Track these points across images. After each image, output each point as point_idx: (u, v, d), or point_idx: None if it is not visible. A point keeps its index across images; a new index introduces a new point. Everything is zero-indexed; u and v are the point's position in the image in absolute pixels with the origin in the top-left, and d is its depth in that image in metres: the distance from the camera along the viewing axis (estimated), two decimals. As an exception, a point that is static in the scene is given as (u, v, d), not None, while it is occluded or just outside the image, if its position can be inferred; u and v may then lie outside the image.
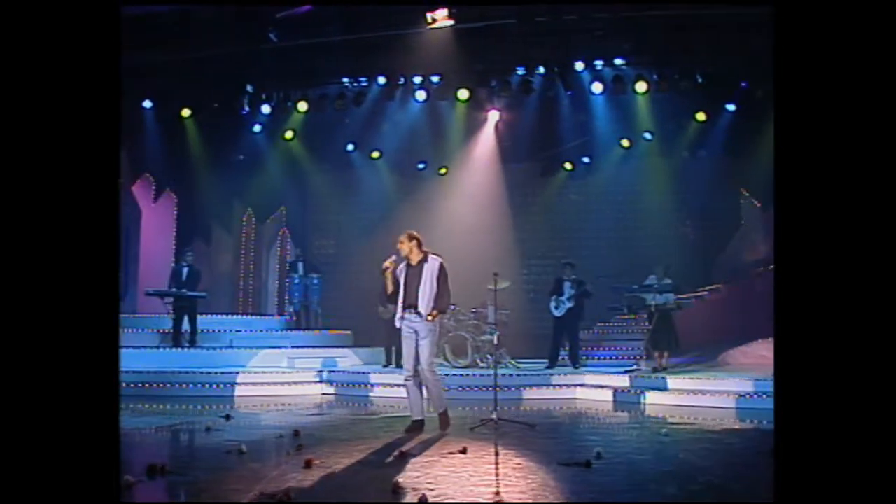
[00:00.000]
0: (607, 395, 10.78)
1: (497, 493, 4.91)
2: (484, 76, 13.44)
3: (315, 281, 14.33)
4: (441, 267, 7.40)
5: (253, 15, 10.94)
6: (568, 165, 15.98)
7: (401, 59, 12.39)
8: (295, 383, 11.41)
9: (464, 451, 6.39)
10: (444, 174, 16.23)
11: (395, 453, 6.26)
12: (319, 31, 11.58)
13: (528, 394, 11.23)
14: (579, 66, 13.18)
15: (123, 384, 10.78)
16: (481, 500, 4.71)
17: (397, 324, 7.43)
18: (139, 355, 11.81)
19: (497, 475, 5.57)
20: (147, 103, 13.60)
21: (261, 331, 13.54)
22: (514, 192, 15.85)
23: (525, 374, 11.94)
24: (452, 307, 13.00)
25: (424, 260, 7.36)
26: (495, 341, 10.64)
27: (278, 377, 11.53)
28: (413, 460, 6.07)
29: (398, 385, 11.30)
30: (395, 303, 7.42)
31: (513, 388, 11.33)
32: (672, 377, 10.79)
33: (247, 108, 13.85)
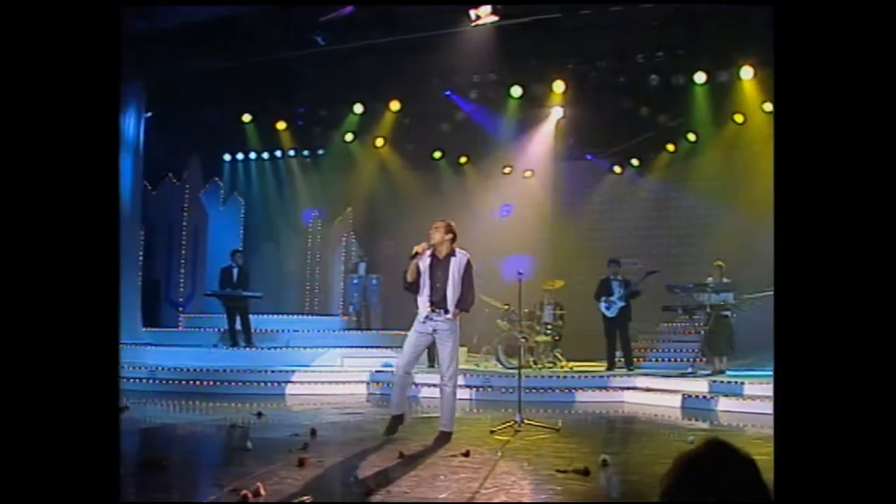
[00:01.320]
0: (658, 399, 10.38)
1: (472, 496, 4.80)
2: (540, 71, 13.22)
3: (374, 281, 14.45)
4: (468, 263, 6.93)
5: (296, 19, 11.11)
6: (635, 161, 15.54)
7: (448, 57, 12.33)
8: (343, 382, 11.53)
9: (466, 454, 6.28)
10: (509, 173, 16.11)
11: (396, 454, 6.22)
12: (364, 34, 11.65)
13: (581, 396, 10.96)
14: (640, 58, 12.79)
15: (179, 381, 11.25)
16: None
17: (421, 321, 6.94)
18: (198, 354, 12.22)
19: (484, 479, 5.44)
20: (207, 109, 14.04)
21: (318, 331, 13.73)
22: (577, 190, 15.53)
23: (572, 376, 11.66)
24: (508, 307, 12.88)
25: (452, 254, 6.92)
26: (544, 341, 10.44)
27: (327, 376, 11.68)
28: (409, 462, 6.02)
29: (433, 385, 11.36)
30: (413, 292, 6.96)
31: (566, 391, 11.10)
32: (725, 382, 10.30)
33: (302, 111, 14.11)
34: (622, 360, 12.07)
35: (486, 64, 12.93)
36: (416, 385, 11.27)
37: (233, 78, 13.11)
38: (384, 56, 12.70)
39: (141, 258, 13.74)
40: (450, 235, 6.95)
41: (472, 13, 11.16)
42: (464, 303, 6.92)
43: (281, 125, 14.89)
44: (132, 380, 11.30)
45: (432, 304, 6.89)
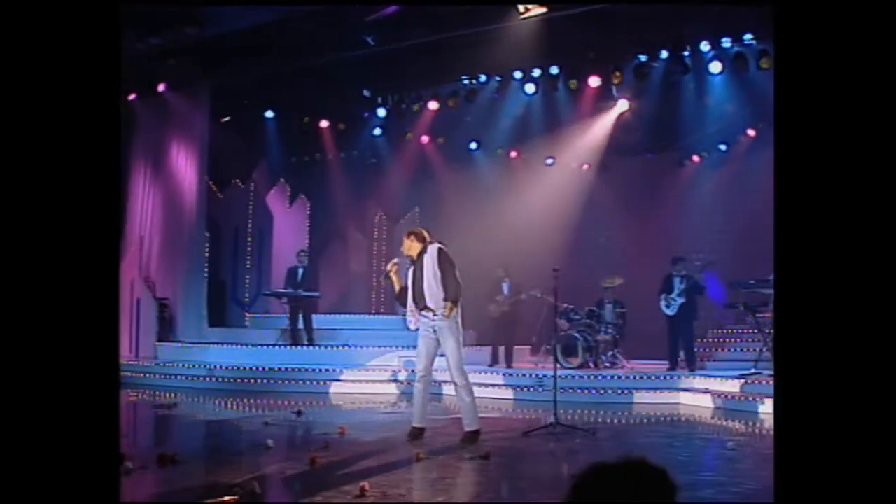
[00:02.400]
0: (714, 401, 9.91)
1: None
2: (598, 64, 12.86)
3: (435, 281, 14.35)
4: (439, 252, 6.74)
5: (344, 20, 11.16)
6: (705, 154, 14.94)
7: (500, 53, 12.14)
8: (390, 382, 11.52)
9: (486, 457, 6.10)
10: (577, 168, 15.80)
11: (413, 456, 6.11)
12: (412, 32, 11.60)
13: (639, 397, 10.59)
14: (704, 46, 12.27)
15: (235, 379, 11.48)
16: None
17: (411, 326, 6.90)
18: (257, 352, 12.46)
19: (490, 483, 5.28)
20: (269, 113, 14.30)
21: (380, 330, 13.79)
22: (642, 185, 15.07)
23: (631, 377, 11.28)
24: (568, 306, 12.59)
25: (424, 251, 6.79)
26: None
27: (378, 375, 11.70)
28: (423, 464, 5.90)
29: (491, 385, 11.22)
30: (405, 304, 6.94)
31: (622, 392, 10.76)
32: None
33: (366, 113, 14.21)
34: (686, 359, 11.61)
35: (542, 57, 12.68)
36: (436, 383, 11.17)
37: (294, 80, 13.29)
38: (436, 53, 12.60)
39: (206, 260, 14.11)
40: (412, 238, 6.89)
41: (520, 6, 10.96)
42: (449, 293, 6.65)
43: (341, 125, 15.03)
44: (190, 377, 11.63)
45: (417, 308, 6.77)
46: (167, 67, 12.94)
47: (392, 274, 6.96)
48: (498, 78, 13.33)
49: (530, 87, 13.13)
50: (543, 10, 10.94)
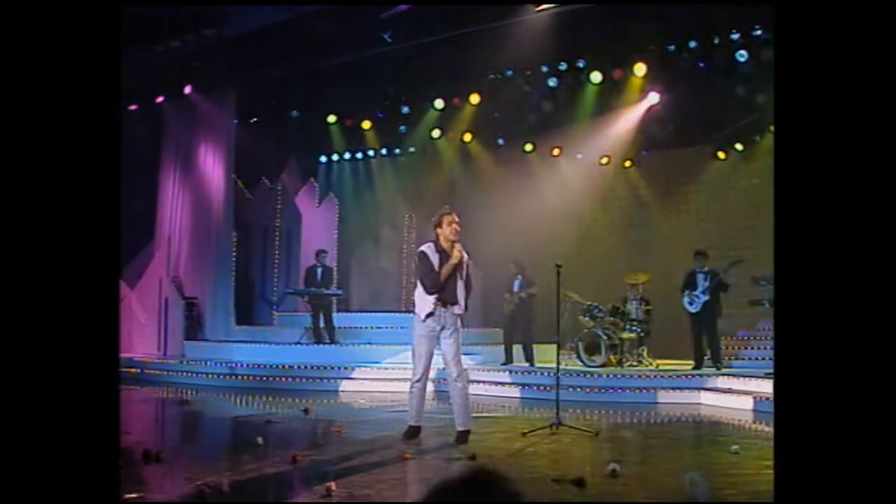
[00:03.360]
0: (735, 402, 9.59)
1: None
2: (622, 56, 12.58)
3: (459, 278, 14.24)
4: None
5: (359, 18, 11.13)
6: (739, 146, 14.49)
7: (523, 47, 11.96)
8: (405, 380, 11.44)
9: (473, 458, 5.98)
10: (607, 164, 15.52)
11: (398, 455, 6.03)
12: (431, 29, 11.52)
13: (663, 397, 10.31)
14: (733, 34, 11.88)
15: (255, 377, 11.56)
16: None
17: (422, 315, 6.68)
18: (279, 350, 12.55)
19: (461, 482, 5.14)
20: (294, 112, 14.39)
21: (402, 328, 13.75)
22: (671, 179, 14.70)
23: (654, 376, 11.00)
24: (593, 304, 12.34)
25: (453, 245, 6.65)
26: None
27: (393, 374, 11.65)
28: (405, 463, 5.82)
29: (498, 383, 11.07)
30: (439, 289, 6.62)
31: (642, 391, 10.51)
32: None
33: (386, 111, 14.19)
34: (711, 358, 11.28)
35: (563, 50, 12.48)
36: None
37: (316, 80, 13.32)
38: (453, 50, 12.47)
39: (234, 259, 14.26)
40: (454, 225, 6.70)
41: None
42: (468, 299, 6.69)
43: (366, 124, 15.04)
44: (212, 375, 11.76)
45: (441, 301, 6.61)
46: (192, 70, 13.12)
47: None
48: (524, 72, 13.16)
49: (553, 81, 12.93)
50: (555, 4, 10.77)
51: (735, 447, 6.43)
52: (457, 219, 6.73)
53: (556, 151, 15.28)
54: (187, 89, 13.52)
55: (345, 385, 11.31)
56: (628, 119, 13.81)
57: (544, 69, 12.86)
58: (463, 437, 6.70)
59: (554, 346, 13.27)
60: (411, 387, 6.87)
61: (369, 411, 9.31)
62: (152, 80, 13.26)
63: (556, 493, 5.00)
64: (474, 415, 8.67)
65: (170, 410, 9.31)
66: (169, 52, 12.33)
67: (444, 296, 6.61)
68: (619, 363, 11.89)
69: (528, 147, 15.42)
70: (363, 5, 10.86)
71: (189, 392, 10.81)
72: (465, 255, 6.71)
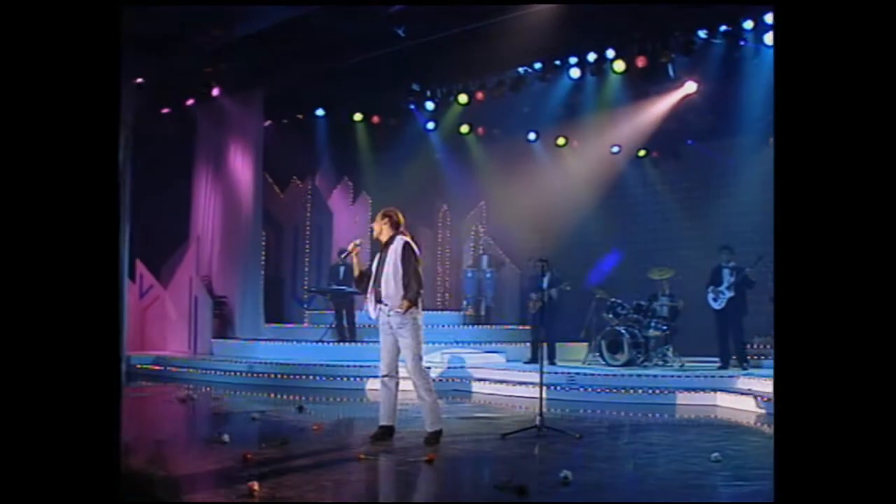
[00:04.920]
0: (756, 405, 9.08)
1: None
2: (646, 43, 12.12)
3: (488, 275, 14.08)
4: (405, 246, 6.40)
5: (369, 14, 11.05)
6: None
7: (542, 38, 11.67)
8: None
9: (430, 462, 5.79)
10: (644, 156, 15.05)
11: (356, 456, 5.91)
12: (442, 24, 11.35)
13: (682, 398, 9.88)
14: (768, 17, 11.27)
15: (276, 375, 11.64)
16: None
17: (372, 315, 6.58)
18: (305, 349, 12.62)
19: (393, 485, 5.00)
20: (320, 111, 14.44)
21: (429, 326, 13.63)
22: (708, 171, 14.12)
23: (670, 376, 10.57)
24: (615, 300, 11.97)
25: (391, 241, 6.48)
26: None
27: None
28: (358, 465, 5.69)
29: (517, 382, 10.78)
30: (364, 290, 6.66)
31: (660, 392, 10.09)
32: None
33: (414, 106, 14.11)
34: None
35: (587, 39, 12.13)
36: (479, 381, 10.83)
37: (338, 78, 13.31)
38: (476, 43, 12.24)
39: (263, 258, 14.42)
40: (385, 220, 6.52)
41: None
42: (408, 292, 6.31)
43: (393, 121, 14.99)
44: (229, 373, 11.89)
45: (376, 298, 6.45)
46: (219, 71, 13.29)
47: (354, 255, 6.69)
48: (551, 63, 12.85)
49: (576, 72, 12.57)
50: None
51: (716, 455, 6.01)
52: (379, 217, 6.65)
53: (586, 144, 14.88)
54: (215, 91, 13.71)
55: (371, 384, 11.25)
56: (661, 109, 13.32)
57: (572, 60, 12.52)
58: (432, 438, 6.50)
59: (579, 345, 13.08)
60: (381, 383, 6.73)
61: (373, 409, 9.20)
62: (182, 82, 13.52)
63: (494, 499, 4.80)
64: (480, 414, 8.61)
65: (160, 406, 9.43)
66: (195, 53, 12.49)
67: (377, 293, 6.47)
68: (643, 363, 11.47)
69: (561, 141, 15.06)
70: (370, 4, 10.75)
71: (207, 389, 10.95)
72: (399, 243, 6.46)
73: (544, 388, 10.48)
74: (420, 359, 6.51)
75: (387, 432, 6.61)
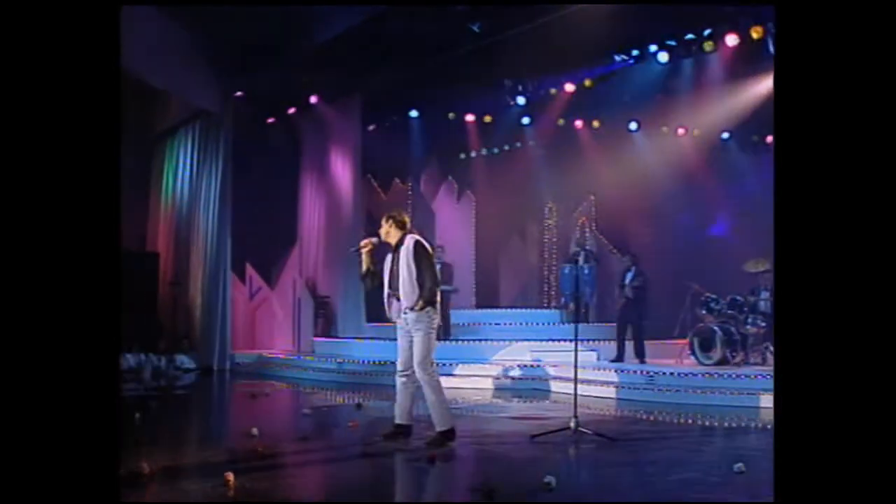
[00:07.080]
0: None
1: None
2: (741, 22, 11.35)
3: (585, 271, 13.68)
4: (416, 245, 6.37)
5: (441, 13, 11.09)
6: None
7: (627, 25, 11.26)
8: (492, 377, 11.22)
9: (431, 461, 5.72)
10: (757, 142, 14.15)
11: (358, 453, 5.96)
12: (519, 15, 11.19)
13: (767, 401, 9.08)
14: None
15: (359, 373, 11.91)
16: None
17: (392, 316, 6.59)
18: (388, 346, 12.81)
19: (377, 484, 4.99)
20: (413, 112, 14.63)
21: (521, 324, 13.47)
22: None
23: (758, 377, 9.80)
24: (710, 294, 11.28)
25: (401, 242, 6.46)
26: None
27: (490, 370, 11.44)
28: (355, 462, 5.74)
29: (595, 382, 10.36)
30: (369, 287, 6.77)
31: (750, 393, 9.39)
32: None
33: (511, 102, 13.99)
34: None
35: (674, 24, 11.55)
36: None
37: (427, 78, 13.43)
38: (559, 35, 11.96)
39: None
40: (390, 223, 6.49)
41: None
42: (423, 292, 6.28)
43: (487, 118, 14.94)
44: (317, 370, 12.30)
45: (392, 298, 6.49)
46: (316, 80, 13.80)
47: (364, 252, 6.69)
48: (631, 52, 12.36)
49: (663, 56, 11.99)
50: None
51: (739, 465, 5.51)
52: (384, 219, 6.63)
53: (680, 131, 14.17)
54: (313, 99, 14.24)
55: (447, 382, 11.26)
56: (755, 92, 12.43)
57: (652, 48, 11.97)
58: (438, 438, 6.34)
59: (671, 343, 12.40)
60: (398, 382, 6.72)
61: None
62: (282, 93, 14.16)
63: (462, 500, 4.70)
64: (534, 415, 8.47)
65: (238, 400, 9.86)
66: (290, 63, 13.03)
67: (392, 293, 6.51)
68: (739, 361, 10.73)
69: (664, 129, 14.41)
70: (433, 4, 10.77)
71: (302, 387, 11.37)
72: (410, 243, 6.43)
73: (619, 388, 10.28)
74: (428, 357, 6.45)
75: (401, 431, 6.54)
